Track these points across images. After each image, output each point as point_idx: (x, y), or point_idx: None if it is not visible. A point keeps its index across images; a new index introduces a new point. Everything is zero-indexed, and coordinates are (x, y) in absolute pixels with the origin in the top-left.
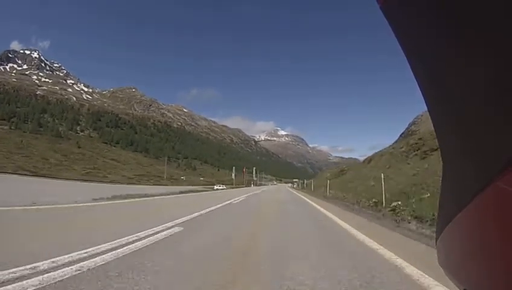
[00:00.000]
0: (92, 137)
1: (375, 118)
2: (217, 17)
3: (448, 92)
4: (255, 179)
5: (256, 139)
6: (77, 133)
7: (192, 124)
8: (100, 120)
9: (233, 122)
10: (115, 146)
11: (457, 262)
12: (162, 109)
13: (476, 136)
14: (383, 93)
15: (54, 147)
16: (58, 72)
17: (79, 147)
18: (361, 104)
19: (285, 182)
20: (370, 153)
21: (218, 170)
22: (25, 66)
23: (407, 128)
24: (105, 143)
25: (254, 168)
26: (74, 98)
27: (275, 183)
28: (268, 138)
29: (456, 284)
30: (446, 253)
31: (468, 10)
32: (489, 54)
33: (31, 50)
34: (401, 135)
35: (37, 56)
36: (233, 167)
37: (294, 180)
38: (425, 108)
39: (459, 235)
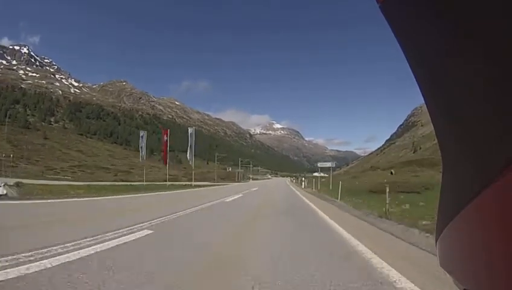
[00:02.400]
0: (66, 128)
1: (370, 110)
2: (210, 9)
3: (447, 92)
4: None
5: (251, 133)
6: (50, 124)
7: (184, 117)
8: (81, 111)
9: (228, 116)
10: (91, 138)
11: (457, 262)
12: (153, 101)
13: (476, 136)
14: (379, 85)
15: (13, 137)
16: (48, 68)
17: (45, 138)
18: (356, 97)
19: (282, 176)
20: (366, 146)
21: (208, 163)
22: (14, 62)
23: (406, 120)
24: (81, 134)
25: (187, 136)
26: (60, 92)
27: (270, 177)
28: (264, 132)
29: (456, 284)
30: (446, 253)
31: (468, 10)
32: (488, 54)
33: (20, 46)
34: (400, 127)
35: (27, 51)
36: (142, 146)
37: (317, 174)
38: (422, 100)
39: (459, 235)
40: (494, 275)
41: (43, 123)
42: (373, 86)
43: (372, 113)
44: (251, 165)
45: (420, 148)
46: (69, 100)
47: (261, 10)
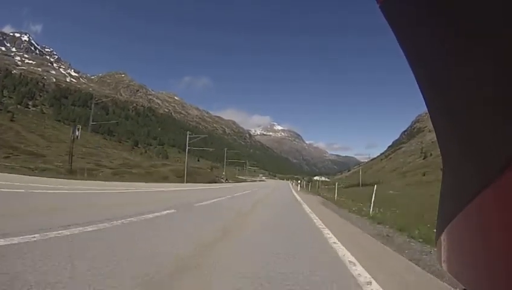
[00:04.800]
0: (44, 113)
1: (371, 117)
2: (216, 7)
3: (447, 92)
4: None
5: (251, 133)
6: (27, 108)
7: (182, 112)
8: (67, 98)
9: (229, 115)
10: (69, 124)
11: (457, 262)
12: (151, 95)
13: (476, 136)
14: (380, 92)
15: None
16: (48, 57)
17: (11, 121)
18: (358, 103)
19: (280, 178)
20: (366, 152)
21: (198, 160)
22: (13, 49)
23: (410, 127)
24: (58, 121)
25: None
26: (54, 80)
27: (264, 178)
28: (264, 133)
29: (456, 284)
30: (446, 253)
31: (468, 10)
32: (488, 54)
33: (21, 33)
34: (404, 133)
35: (27, 39)
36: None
37: (318, 177)
38: (425, 108)
39: (459, 235)
40: (494, 275)
41: (19, 106)
42: (375, 93)
43: (373, 120)
44: (223, 154)
45: (431, 154)
46: (57, 86)
47: (267, 12)
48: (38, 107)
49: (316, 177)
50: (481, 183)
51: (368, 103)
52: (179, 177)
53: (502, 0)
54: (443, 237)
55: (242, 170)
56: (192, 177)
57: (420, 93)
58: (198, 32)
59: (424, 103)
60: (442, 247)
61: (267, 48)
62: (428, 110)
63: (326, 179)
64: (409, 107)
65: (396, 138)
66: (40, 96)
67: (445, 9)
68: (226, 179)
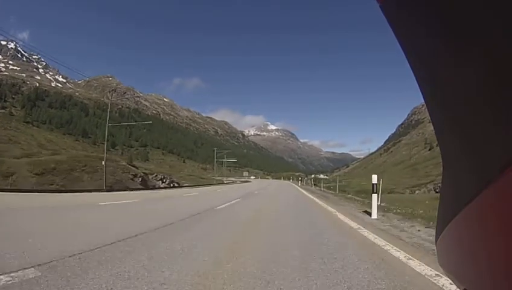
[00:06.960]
0: (13, 115)
1: (365, 112)
2: (204, 10)
3: (447, 92)
4: None
5: (245, 133)
6: None
7: (172, 113)
8: (43, 100)
9: (221, 116)
10: (38, 126)
11: (457, 262)
12: (138, 97)
13: (476, 136)
14: (374, 87)
15: None
16: (36, 63)
17: None
18: (352, 99)
19: (276, 178)
20: (361, 147)
21: (184, 162)
22: (0, 57)
23: (407, 119)
24: (27, 122)
25: None
26: (37, 84)
27: (252, 179)
28: (258, 133)
29: (456, 284)
30: (446, 253)
31: (467, 10)
32: (489, 54)
33: (7, 40)
34: (400, 126)
35: (13, 47)
36: None
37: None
38: (421, 100)
39: (459, 235)
40: (494, 275)
41: None
42: (368, 89)
43: (367, 116)
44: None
45: (436, 145)
46: (36, 88)
47: (256, 11)
48: (7, 109)
49: (315, 175)
50: (481, 183)
51: (361, 99)
52: (37, 176)
53: (501, 0)
54: (443, 237)
55: (235, 170)
56: (73, 176)
57: (415, 87)
58: (186, 33)
59: (423, 99)
60: (442, 247)
61: (258, 48)
62: (428, 110)
63: (326, 177)
64: (403, 100)
65: (393, 131)
66: (13, 98)
67: (445, 10)
68: (172, 182)
